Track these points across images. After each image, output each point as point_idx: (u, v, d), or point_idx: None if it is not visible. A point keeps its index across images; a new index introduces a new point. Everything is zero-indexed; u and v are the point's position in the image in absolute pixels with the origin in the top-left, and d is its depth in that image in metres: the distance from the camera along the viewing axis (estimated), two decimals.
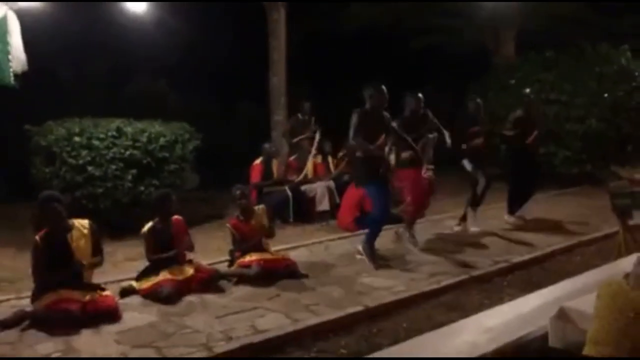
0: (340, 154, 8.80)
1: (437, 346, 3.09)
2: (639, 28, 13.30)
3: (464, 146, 6.87)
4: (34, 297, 4.23)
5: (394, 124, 5.89)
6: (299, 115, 9.00)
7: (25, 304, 4.35)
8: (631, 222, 5.29)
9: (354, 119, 5.45)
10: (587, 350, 2.39)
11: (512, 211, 7.41)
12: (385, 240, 6.24)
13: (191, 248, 5.12)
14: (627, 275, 2.47)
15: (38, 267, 4.26)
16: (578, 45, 10.59)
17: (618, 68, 10.09)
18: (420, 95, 6.16)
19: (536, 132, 7.22)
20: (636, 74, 10.32)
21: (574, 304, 2.88)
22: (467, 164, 6.99)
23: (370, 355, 3.25)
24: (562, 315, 2.86)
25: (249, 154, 8.56)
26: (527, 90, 7.58)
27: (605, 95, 9.77)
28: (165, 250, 4.91)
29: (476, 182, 7.02)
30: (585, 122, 9.75)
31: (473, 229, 7.00)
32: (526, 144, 7.19)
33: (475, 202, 7.11)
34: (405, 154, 6.11)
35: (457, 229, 7.14)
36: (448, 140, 6.31)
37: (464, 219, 7.14)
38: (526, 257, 5.86)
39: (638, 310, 2.21)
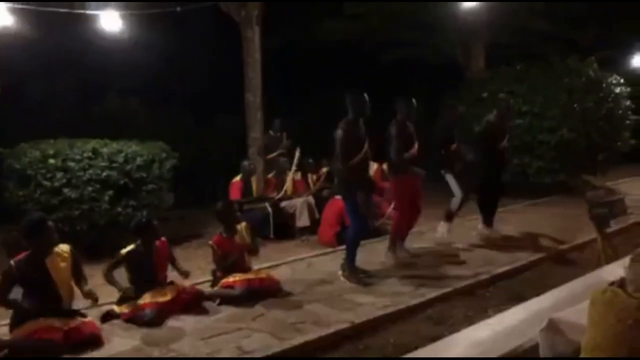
0: (323, 170, 8.81)
1: None
2: (602, 39, 13.74)
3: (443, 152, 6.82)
4: (12, 326, 4.08)
5: (393, 130, 5.93)
6: (270, 132, 8.99)
7: (3, 332, 4.21)
8: (608, 230, 5.41)
9: (340, 135, 5.26)
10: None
11: (486, 222, 7.39)
12: (367, 255, 6.23)
13: (186, 274, 5.04)
14: (612, 283, 2.49)
15: (2, 292, 4.09)
16: (547, 58, 10.81)
17: (586, 79, 10.31)
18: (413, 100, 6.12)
19: (506, 141, 7.18)
20: (603, 85, 10.58)
21: (563, 315, 2.91)
22: (449, 178, 6.94)
23: None
24: (552, 327, 2.88)
25: (224, 172, 8.51)
26: (503, 95, 7.57)
27: (575, 106, 9.96)
28: (146, 275, 4.82)
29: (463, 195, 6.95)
30: (557, 133, 9.91)
31: (443, 237, 7.04)
32: (496, 150, 7.10)
33: (449, 216, 7.07)
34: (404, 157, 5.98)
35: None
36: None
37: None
38: (507, 267, 5.89)
39: (636, 317, 2.22)
